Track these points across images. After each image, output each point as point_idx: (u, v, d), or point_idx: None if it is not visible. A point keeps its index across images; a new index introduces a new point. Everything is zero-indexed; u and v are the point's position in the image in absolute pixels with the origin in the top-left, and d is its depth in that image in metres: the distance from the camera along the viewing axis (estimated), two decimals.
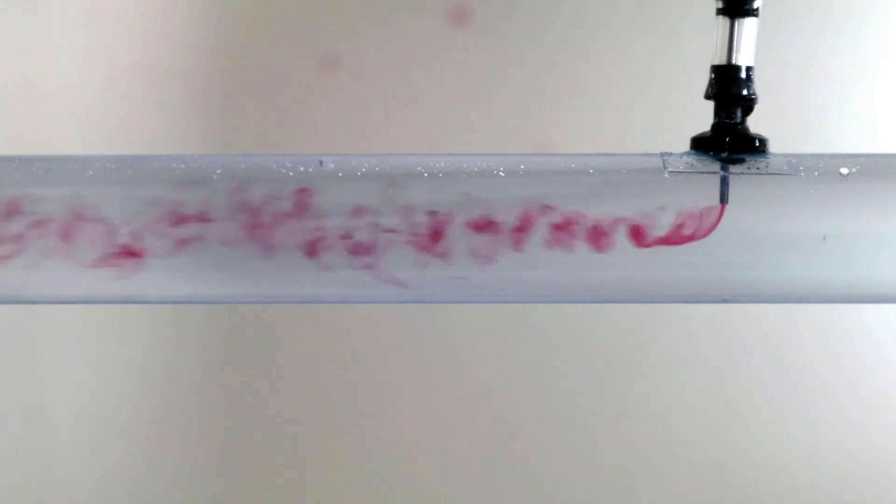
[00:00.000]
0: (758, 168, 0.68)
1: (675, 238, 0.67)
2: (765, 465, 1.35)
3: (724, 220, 0.67)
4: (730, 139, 0.68)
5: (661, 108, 1.29)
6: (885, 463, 1.35)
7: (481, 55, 1.30)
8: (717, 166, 0.68)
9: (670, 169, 0.68)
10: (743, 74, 0.68)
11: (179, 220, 0.67)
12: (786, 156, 0.68)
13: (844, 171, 0.67)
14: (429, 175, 0.68)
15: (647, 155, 0.69)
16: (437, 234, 0.67)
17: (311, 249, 0.67)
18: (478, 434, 1.36)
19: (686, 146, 0.69)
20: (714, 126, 0.69)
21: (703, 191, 0.67)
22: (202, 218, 0.67)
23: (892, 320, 1.34)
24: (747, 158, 0.68)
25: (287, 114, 1.30)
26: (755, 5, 0.68)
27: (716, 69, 0.69)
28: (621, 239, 0.68)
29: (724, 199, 0.67)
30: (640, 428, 1.36)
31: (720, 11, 0.69)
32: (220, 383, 1.36)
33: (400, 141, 1.30)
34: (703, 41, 0.72)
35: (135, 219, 0.67)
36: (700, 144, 0.69)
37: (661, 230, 0.67)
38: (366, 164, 0.68)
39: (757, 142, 0.68)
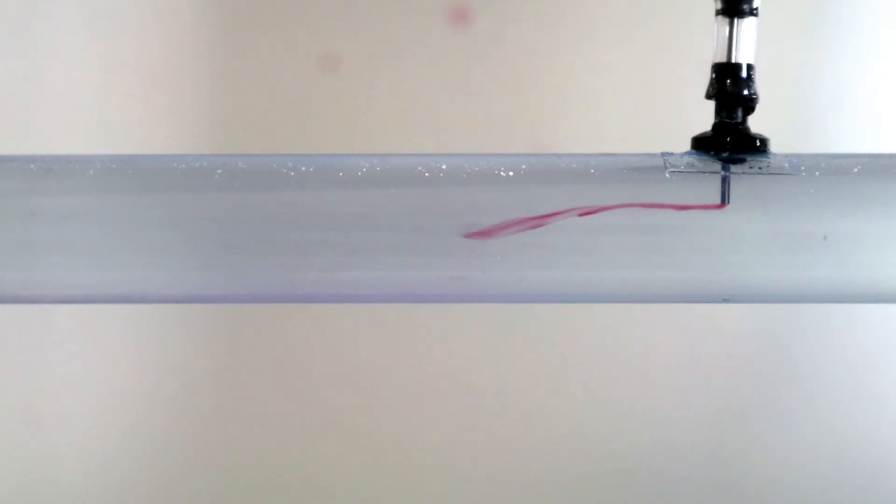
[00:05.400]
0: (759, 168, 0.68)
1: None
2: (765, 466, 1.35)
3: (724, 219, 0.67)
4: (731, 139, 0.68)
5: (661, 108, 1.29)
6: (885, 463, 1.35)
7: (481, 55, 1.30)
8: (717, 166, 0.68)
9: (671, 169, 0.68)
10: (744, 74, 0.68)
11: (180, 220, 0.67)
12: (786, 155, 0.68)
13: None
14: (429, 175, 0.68)
15: (648, 155, 0.69)
16: (436, 234, 0.67)
17: (312, 249, 0.67)
18: (478, 434, 1.36)
19: (687, 146, 0.69)
20: (715, 126, 0.69)
21: (703, 190, 0.67)
22: (202, 218, 0.67)
23: (893, 320, 1.34)
24: (748, 158, 0.68)
25: (287, 114, 1.30)
26: (755, 5, 0.68)
27: (716, 69, 0.69)
28: (620, 237, 0.67)
29: (724, 198, 0.67)
30: (640, 427, 1.36)
31: (720, 12, 0.69)
32: (221, 383, 1.36)
33: (400, 141, 1.30)
34: (703, 41, 0.72)
35: (135, 218, 0.67)
36: (701, 144, 0.69)
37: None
38: (366, 165, 0.68)
39: (758, 141, 0.68)
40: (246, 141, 1.31)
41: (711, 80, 0.69)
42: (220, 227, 0.67)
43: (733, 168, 0.68)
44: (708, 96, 0.69)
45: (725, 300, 0.69)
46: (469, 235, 0.66)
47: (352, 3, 1.30)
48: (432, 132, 1.31)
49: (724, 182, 0.67)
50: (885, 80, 1.31)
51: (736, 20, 0.68)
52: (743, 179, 0.67)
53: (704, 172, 0.68)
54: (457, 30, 1.29)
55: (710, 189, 0.67)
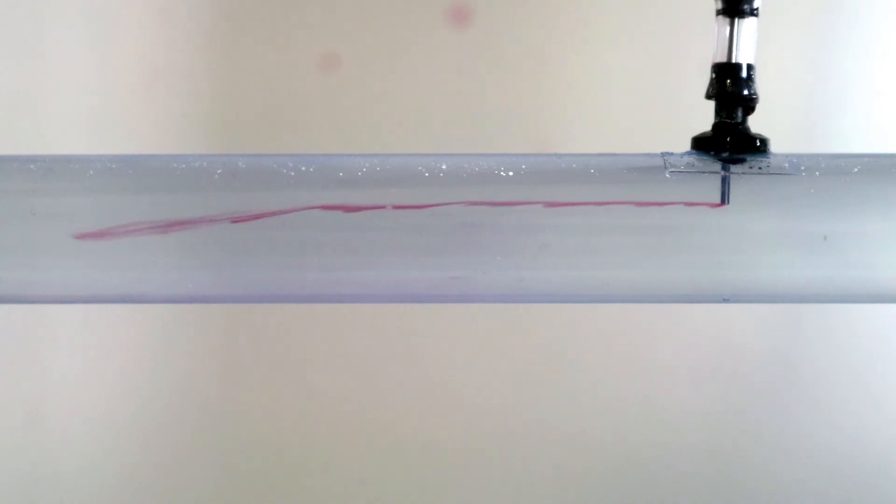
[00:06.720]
0: (759, 168, 0.68)
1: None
2: (766, 464, 1.35)
3: (724, 219, 0.67)
4: (731, 139, 0.68)
5: (661, 108, 1.29)
6: (885, 462, 1.35)
7: (481, 55, 1.30)
8: (717, 166, 0.68)
9: (671, 169, 0.68)
10: (744, 74, 0.68)
11: (180, 220, 0.67)
12: (787, 155, 0.68)
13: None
14: (429, 175, 0.68)
15: (648, 155, 0.69)
16: (436, 234, 0.67)
17: (312, 249, 0.67)
18: (477, 434, 1.36)
19: (687, 146, 0.69)
20: (715, 126, 0.69)
21: (703, 191, 0.67)
22: (203, 218, 0.67)
23: (893, 320, 1.34)
24: (748, 158, 0.68)
25: (287, 114, 1.30)
26: (755, 5, 0.68)
27: (716, 69, 0.69)
28: (620, 237, 0.67)
29: (724, 198, 0.67)
30: (641, 427, 1.36)
31: (720, 12, 0.69)
32: (221, 382, 1.36)
33: (400, 141, 1.30)
34: (703, 41, 0.72)
35: (135, 218, 0.67)
36: (701, 144, 0.69)
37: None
38: (366, 165, 0.68)
39: (758, 141, 0.68)
40: (246, 141, 1.31)
41: (711, 80, 0.69)
42: (221, 228, 0.67)
43: (733, 168, 0.68)
44: (708, 96, 0.69)
45: (725, 300, 0.69)
46: (81, 236, 0.66)
47: (352, 3, 1.30)
48: (432, 132, 1.31)
49: (724, 182, 0.67)
50: (887, 80, 1.31)
51: (736, 20, 0.68)
52: (743, 179, 0.67)
53: (704, 172, 0.68)
54: (457, 29, 1.29)
55: (710, 189, 0.67)
